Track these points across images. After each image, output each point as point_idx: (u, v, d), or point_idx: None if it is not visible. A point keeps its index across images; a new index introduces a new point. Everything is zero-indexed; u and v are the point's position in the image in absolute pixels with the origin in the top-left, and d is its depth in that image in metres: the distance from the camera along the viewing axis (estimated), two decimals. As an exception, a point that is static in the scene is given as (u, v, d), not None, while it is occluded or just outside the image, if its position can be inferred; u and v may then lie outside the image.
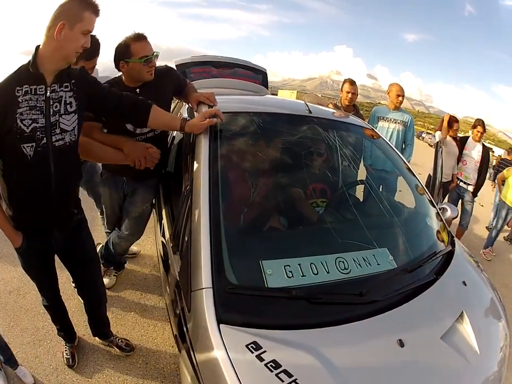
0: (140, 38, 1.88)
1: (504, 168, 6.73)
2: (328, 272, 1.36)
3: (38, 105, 1.35)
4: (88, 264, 1.88)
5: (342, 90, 3.68)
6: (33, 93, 1.34)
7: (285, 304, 1.23)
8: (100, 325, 2.17)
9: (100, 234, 3.37)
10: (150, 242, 3.52)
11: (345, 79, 3.72)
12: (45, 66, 1.35)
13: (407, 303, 1.35)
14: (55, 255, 1.78)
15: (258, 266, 1.30)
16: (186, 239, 1.42)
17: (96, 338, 2.24)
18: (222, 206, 1.44)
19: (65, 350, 2.12)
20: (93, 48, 1.88)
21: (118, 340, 2.22)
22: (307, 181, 1.98)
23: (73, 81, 1.47)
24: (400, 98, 3.72)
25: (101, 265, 2.63)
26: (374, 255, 1.49)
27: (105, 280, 2.76)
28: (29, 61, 1.35)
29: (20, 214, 1.54)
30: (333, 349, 1.14)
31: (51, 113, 1.39)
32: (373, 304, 1.29)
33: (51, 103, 1.39)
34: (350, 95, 3.55)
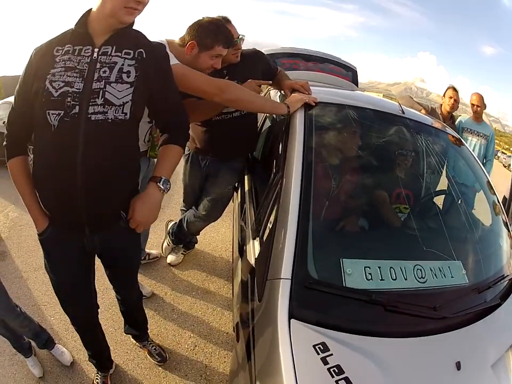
0: (225, 21, 1.87)
1: None
2: (406, 279, 1.28)
3: (78, 67, 1.12)
4: (126, 273, 1.61)
5: (444, 96, 3.51)
6: (75, 54, 1.14)
7: (361, 308, 1.16)
8: (134, 326, 1.96)
9: (174, 211, 3.47)
10: (225, 226, 3.54)
11: (448, 86, 3.54)
12: (94, 26, 1.15)
13: (472, 324, 1.26)
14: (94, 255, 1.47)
15: (338, 264, 1.23)
16: (270, 225, 1.37)
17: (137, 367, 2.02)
18: (313, 198, 1.37)
19: (97, 379, 1.84)
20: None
21: (152, 346, 2.03)
22: (394, 184, 1.87)
23: (140, 50, 1.20)
24: (475, 108, 3.51)
25: (171, 242, 2.70)
26: (449, 267, 1.41)
27: (172, 257, 2.85)
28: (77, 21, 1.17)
29: (41, 197, 1.27)
30: (398, 362, 1.07)
31: (95, 79, 1.12)
32: (443, 321, 1.21)
33: (98, 67, 1.13)
34: (452, 100, 3.37)
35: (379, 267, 1.27)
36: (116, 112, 1.14)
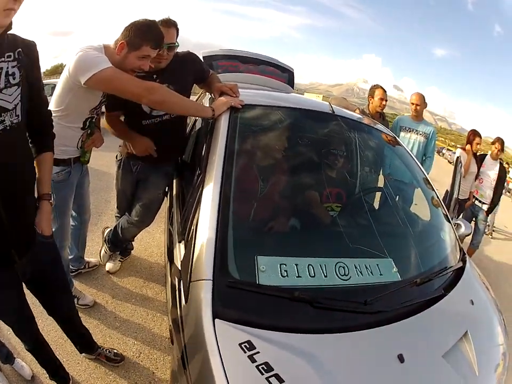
0: (169, 24, 1.88)
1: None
2: (326, 276, 1.29)
3: None
4: (64, 286, 1.65)
5: (373, 97, 3.54)
6: None
7: (285, 305, 1.16)
8: (80, 340, 1.93)
9: (110, 218, 3.38)
10: (160, 231, 3.50)
11: (375, 85, 3.58)
12: None
13: (412, 316, 1.28)
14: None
15: (254, 262, 1.24)
16: (193, 228, 1.37)
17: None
18: (232, 199, 1.39)
19: None
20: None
21: (106, 350, 2.04)
22: (323, 183, 1.90)
23: (19, 49, 1.18)
24: (414, 106, 3.65)
25: (108, 249, 2.63)
26: (377, 265, 1.42)
27: (110, 265, 2.78)
28: None
29: None
30: (330, 357, 1.08)
31: None
32: (377, 315, 1.22)
33: None
34: (384, 102, 3.46)
35: (296, 264, 1.28)
36: (11, 116, 1.13)
